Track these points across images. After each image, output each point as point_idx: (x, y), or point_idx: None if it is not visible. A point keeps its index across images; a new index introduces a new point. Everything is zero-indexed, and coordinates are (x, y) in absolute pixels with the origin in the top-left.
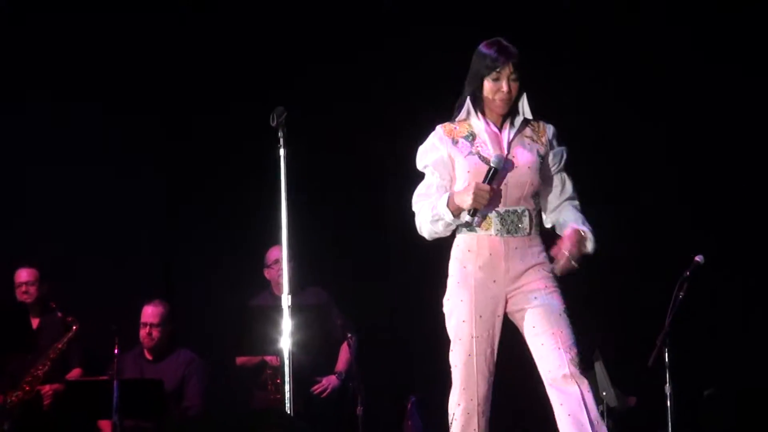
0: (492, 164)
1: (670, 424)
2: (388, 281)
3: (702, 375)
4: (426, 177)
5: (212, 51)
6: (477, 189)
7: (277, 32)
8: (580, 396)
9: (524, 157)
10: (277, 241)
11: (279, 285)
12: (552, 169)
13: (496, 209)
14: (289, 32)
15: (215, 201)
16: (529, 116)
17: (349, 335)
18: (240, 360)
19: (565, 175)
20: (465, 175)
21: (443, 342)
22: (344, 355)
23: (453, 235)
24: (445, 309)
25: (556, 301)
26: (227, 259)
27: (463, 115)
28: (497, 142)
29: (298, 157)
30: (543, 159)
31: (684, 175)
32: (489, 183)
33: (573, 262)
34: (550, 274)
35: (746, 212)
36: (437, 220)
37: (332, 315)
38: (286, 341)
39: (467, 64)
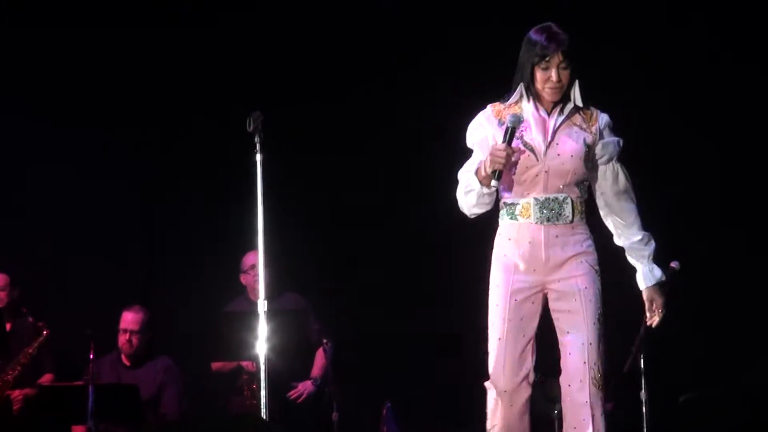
0: (507, 123)
1: (645, 429)
2: (366, 286)
3: (678, 381)
4: (473, 155)
5: (189, 55)
6: (493, 149)
7: (257, 35)
8: (591, 428)
9: (568, 145)
10: (253, 247)
11: (255, 290)
12: (602, 159)
13: (535, 196)
14: (270, 35)
15: (192, 206)
16: (580, 104)
17: (325, 341)
18: (216, 365)
19: (618, 166)
20: None
21: (419, 347)
22: (320, 360)
23: (488, 228)
24: (489, 295)
25: (593, 307)
26: (203, 265)
27: (515, 97)
28: (543, 127)
29: (276, 161)
30: (590, 148)
31: (662, 178)
32: (508, 143)
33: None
34: (594, 268)
35: (720, 218)
36: (469, 191)
37: (308, 320)
38: (262, 346)
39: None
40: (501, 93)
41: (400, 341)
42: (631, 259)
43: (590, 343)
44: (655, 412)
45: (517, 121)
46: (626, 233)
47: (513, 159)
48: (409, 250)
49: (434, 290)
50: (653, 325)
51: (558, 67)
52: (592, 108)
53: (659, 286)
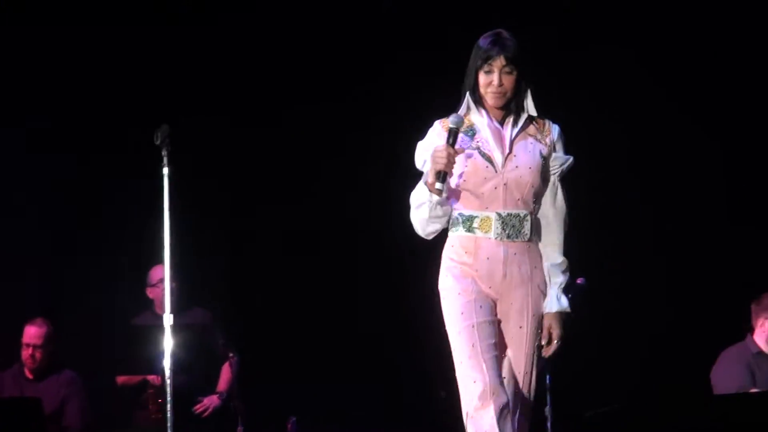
0: (450, 124)
1: None
2: (273, 300)
3: (583, 397)
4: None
5: (103, 63)
6: (434, 150)
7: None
8: None
9: (526, 157)
10: (160, 260)
11: (162, 304)
12: (552, 173)
13: (498, 211)
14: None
15: (99, 218)
16: (533, 113)
17: (231, 355)
18: (121, 379)
19: (559, 184)
20: (463, 169)
21: (324, 363)
22: (225, 375)
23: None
24: (444, 310)
25: (535, 333)
26: (110, 278)
27: (463, 109)
28: (500, 138)
29: (183, 174)
30: (545, 160)
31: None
32: (451, 144)
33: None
34: (543, 291)
35: (624, 236)
36: (420, 205)
37: (214, 335)
38: (167, 361)
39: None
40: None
41: (306, 356)
42: None
43: (526, 373)
44: (560, 427)
45: (460, 121)
46: (547, 252)
47: (467, 168)
48: (318, 264)
49: (342, 304)
50: (547, 356)
51: (501, 71)
52: (546, 119)
53: (561, 315)
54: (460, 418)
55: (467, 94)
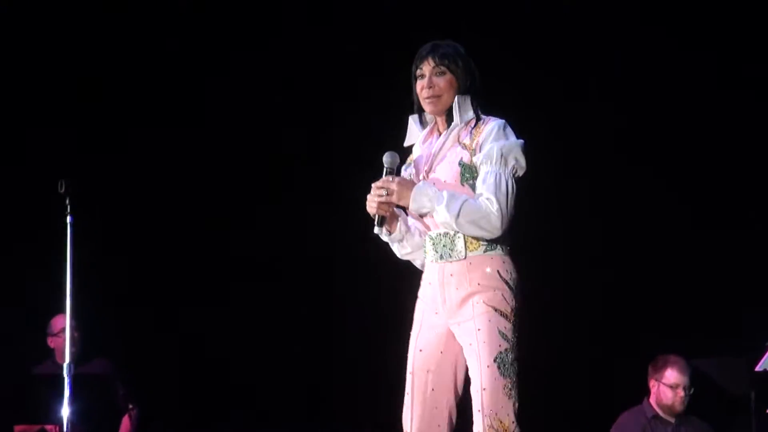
0: (385, 164)
1: None
2: (173, 351)
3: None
4: None
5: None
6: (369, 196)
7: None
8: None
9: (443, 171)
10: (62, 309)
11: (63, 354)
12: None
13: (429, 233)
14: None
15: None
16: (458, 120)
17: (131, 406)
18: (18, 428)
19: (484, 169)
20: None
21: (222, 414)
22: (126, 426)
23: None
24: None
25: (487, 349)
26: (11, 325)
27: (409, 135)
28: (427, 155)
29: (88, 224)
30: (467, 167)
31: None
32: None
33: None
34: (491, 307)
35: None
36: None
37: (115, 385)
38: (66, 410)
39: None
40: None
41: (209, 409)
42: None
43: (484, 389)
44: None
45: (394, 161)
46: None
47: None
48: (225, 316)
49: (247, 352)
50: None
51: (431, 74)
52: (489, 119)
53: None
54: None
55: (410, 117)
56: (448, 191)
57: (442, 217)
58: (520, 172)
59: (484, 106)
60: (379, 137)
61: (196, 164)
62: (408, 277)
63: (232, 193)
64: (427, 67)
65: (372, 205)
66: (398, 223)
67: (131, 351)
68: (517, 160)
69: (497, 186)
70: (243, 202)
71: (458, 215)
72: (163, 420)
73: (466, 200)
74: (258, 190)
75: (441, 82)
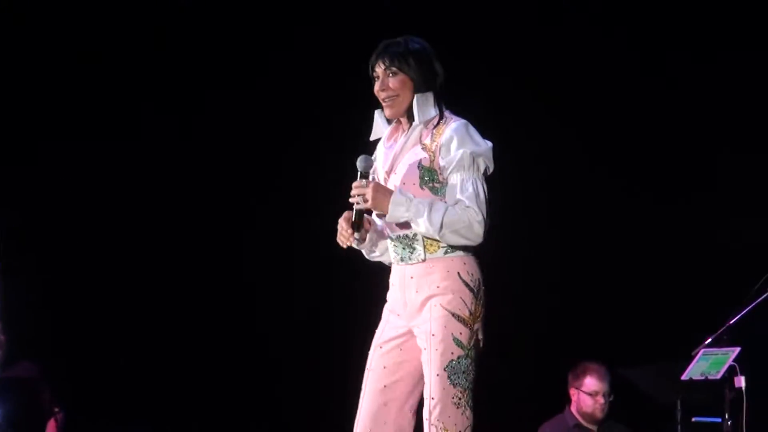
0: (359, 168)
1: None
2: (100, 355)
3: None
4: None
5: None
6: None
7: None
8: None
9: (402, 173)
10: None
11: None
12: (445, 173)
13: (390, 235)
14: None
15: None
16: (418, 120)
17: (57, 410)
18: None
19: (458, 176)
20: None
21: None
22: (51, 430)
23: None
24: None
25: (439, 357)
26: None
27: (374, 135)
28: (390, 157)
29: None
30: (427, 170)
31: None
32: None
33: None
34: (448, 311)
35: None
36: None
37: (41, 389)
38: None
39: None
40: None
41: (134, 411)
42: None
43: (432, 398)
44: None
45: (368, 165)
46: None
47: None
48: (143, 316)
49: (175, 356)
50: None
51: (384, 76)
52: (452, 120)
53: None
54: None
55: (375, 111)
56: (424, 201)
57: (423, 229)
58: (488, 173)
59: (449, 104)
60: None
61: (115, 169)
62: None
63: (156, 194)
64: (379, 69)
65: (347, 219)
66: (370, 233)
67: (57, 354)
68: (488, 165)
69: (476, 194)
70: (167, 203)
71: (441, 227)
72: (89, 423)
73: (446, 210)
74: (179, 192)
75: (393, 83)
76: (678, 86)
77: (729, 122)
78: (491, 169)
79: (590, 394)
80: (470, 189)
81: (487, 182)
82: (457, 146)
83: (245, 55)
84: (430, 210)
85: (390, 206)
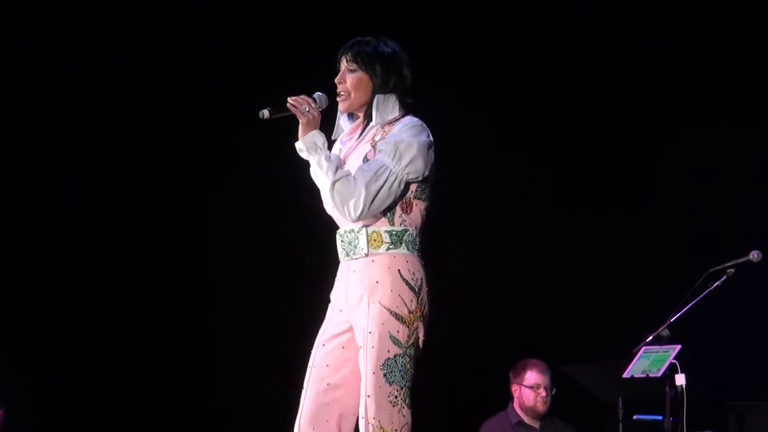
0: (315, 96)
1: None
2: (46, 351)
3: None
4: None
5: None
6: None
7: None
8: None
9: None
10: None
11: None
12: None
13: (338, 230)
14: None
15: None
16: (375, 121)
17: None
18: None
19: (378, 158)
20: None
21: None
22: None
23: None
24: None
25: (375, 354)
26: None
27: (338, 130)
28: (345, 149)
29: None
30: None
31: None
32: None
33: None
34: (385, 308)
35: None
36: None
37: None
38: None
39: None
40: None
41: (81, 408)
42: None
43: (368, 396)
44: None
45: (321, 100)
46: None
47: None
48: (92, 309)
49: (118, 352)
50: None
51: (344, 71)
52: (407, 118)
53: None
54: None
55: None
56: (336, 160)
57: (321, 171)
58: (413, 176)
59: (414, 108)
60: None
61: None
62: None
63: (109, 198)
64: (343, 63)
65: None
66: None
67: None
68: (413, 161)
69: (375, 176)
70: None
71: (334, 182)
72: (31, 421)
73: (348, 175)
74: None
75: (350, 79)
76: (606, 88)
77: (666, 125)
78: (418, 170)
79: (531, 388)
80: (373, 171)
81: (419, 185)
82: (393, 135)
83: (225, 53)
84: (338, 164)
85: (308, 135)
